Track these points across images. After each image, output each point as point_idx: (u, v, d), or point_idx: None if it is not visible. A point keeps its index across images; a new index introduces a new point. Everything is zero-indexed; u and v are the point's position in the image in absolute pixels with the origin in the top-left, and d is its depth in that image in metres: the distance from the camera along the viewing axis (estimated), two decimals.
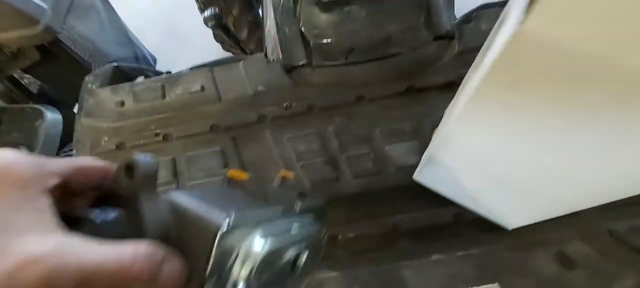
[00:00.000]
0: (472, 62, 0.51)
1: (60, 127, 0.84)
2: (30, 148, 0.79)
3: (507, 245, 0.39)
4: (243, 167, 0.50)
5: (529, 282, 0.37)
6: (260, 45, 1.70)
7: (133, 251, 0.19)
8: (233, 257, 0.21)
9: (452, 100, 0.46)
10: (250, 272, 0.22)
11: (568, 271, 0.37)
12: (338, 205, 0.45)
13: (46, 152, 0.78)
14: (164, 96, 0.57)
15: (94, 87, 0.66)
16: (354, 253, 0.42)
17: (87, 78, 0.68)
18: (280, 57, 0.59)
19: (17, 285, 0.15)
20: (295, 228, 0.26)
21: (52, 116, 0.85)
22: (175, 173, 0.50)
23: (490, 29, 0.52)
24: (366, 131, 0.49)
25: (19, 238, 0.16)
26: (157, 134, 0.54)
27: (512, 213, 0.39)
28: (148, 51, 1.25)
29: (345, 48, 0.56)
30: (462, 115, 0.34)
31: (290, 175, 0.38)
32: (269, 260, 0.22)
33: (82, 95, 0.66)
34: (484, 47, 0.44)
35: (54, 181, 0.20)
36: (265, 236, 0.22)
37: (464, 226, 0.41)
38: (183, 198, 0.23)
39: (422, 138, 0.47)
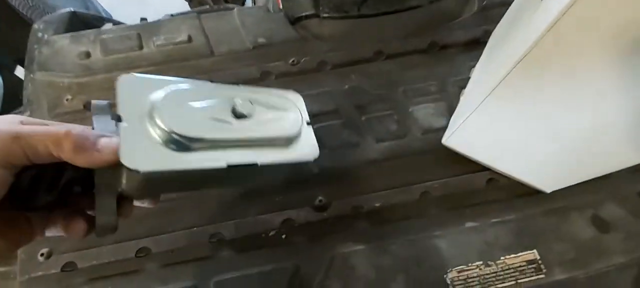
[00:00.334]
0: (495, 19, 0.47)
1: (0, 92, 0.70)
2: None
3: (542, 210, 0.37)
4: None
5: (567, 246, 0.35)
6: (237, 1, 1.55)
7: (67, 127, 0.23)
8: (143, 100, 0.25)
9: (481, 60, 0.43)
10: (156, 108, 0.24)
11: (604, 234, 0.36)
12: (360, 172, 0.40)
13: None
14: (141, 46, 0.47)
15: (46, 35, 0.54)
16: (381, 223, 0.38)
17: (36, 25, 0.55)
18: (280, 6, 0.52)
19: None
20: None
21: None
22: None
23: None
24: (387, 90, 0.44)
25: None
26: None
27: (547, 177, 0.37)
28: (102, 7, 1.08)
29: None
30: (502, 87, 0.30)
31: None
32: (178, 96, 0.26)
33: (31, 45, 0.54)
34: (513, 6, 0.40)
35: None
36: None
37: (497, 191, 0.39)
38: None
39: (447, 98, 0.43)
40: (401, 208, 0.38)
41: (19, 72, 0.87)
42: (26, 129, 0.22)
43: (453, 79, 0.44)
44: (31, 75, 0.53)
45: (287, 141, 0.30)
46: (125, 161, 0.21)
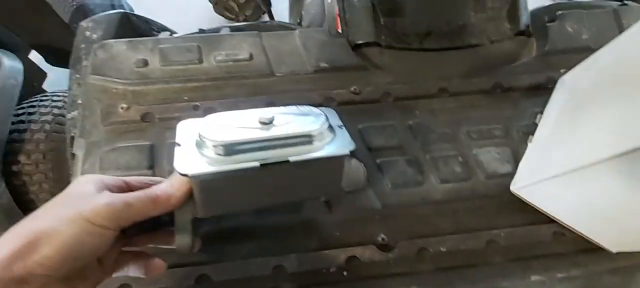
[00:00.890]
0: (558, 66, 0.47)
1: (20, 78, 0.67)
2: None
3: (609, 269, 0.37)
4: None
5: None
6: (256, 12, 1.55)
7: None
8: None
9: (552, 111, 0.42)
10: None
11: None
12: (424, 212, 0.39)
13: (2, 106, 0.62)
14: (200, 60, 0.46)
15: (95, 36, 0.53)
16: (446, 269, 0.37)
17: (84, 24, 0.54)
18: (338, 29, 0.51)
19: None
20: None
21: (11, 64, 0.67)
22: None
23: (578, 32, 0.48)
24: (451, 130, 0.44)
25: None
26: (195, 107, 0.43)
27: (615, 237, 0.37)
28: (127, 3, 1.06)
29: (421, 30, 0.49)
30: (613, 163, 0.30)
31: None
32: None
33: (78, 44, 0.52)
34: (604, 59, 0.39)
35: None
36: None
37: (563, 245, 0.38)
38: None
39: (511, 143, 0.43)
40: (467, 254, 0.38)
41: (33, 56, 0.85)
42: (133, 197, 0.28)
43: (517, 124, 0.44)
44: (77, 76, 0.52)
45: (317, 138, 0.31)
46: (179, 169, 0.28)
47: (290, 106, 0.34)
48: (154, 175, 0.40)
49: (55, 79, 0.84)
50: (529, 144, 0.41)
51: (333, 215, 0.39)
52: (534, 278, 0.37)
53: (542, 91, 0.46)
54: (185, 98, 0.44)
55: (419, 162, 0.41)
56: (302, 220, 0.38)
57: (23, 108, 0.66)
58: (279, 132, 0.30)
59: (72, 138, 0.47)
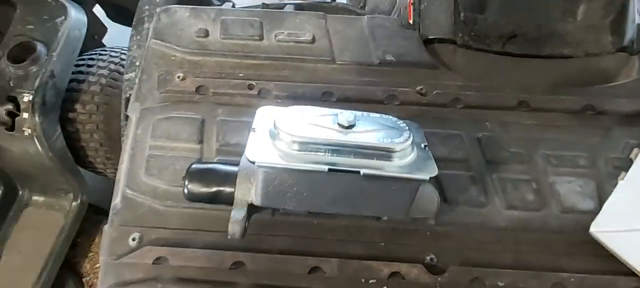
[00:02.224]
0: None
1: (84, 31, 0.69)
2: (48, 46, 0.65)
3: None
4: None
5: None
6: None
7: None
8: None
9: None
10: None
11: None
12: (483, 238, 0.36)
13: (65, 55, 0.64)
14: (261, 37, 0.44)
15: None
16: None
17: None
18: (410, 20, 0.47)
19: None
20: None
21: (76, 15, 0.69)
22: None
23: None
24: (526, 150, 0.39)
25: None
26: (250, 86, 0.42)
27: None
28: None
29: (505, 31, 0.43)
30: None
31: None
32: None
33: (143, 5, 0.52)
34: None
35: None
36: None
37: None
38: None
39: (597, 176, 0.37)
40: None
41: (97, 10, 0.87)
42: None
43: (606, 155, 0.38)
44: (138, 37, 0.52)
45: (396, 155, 0.28)
46: (249, 155, 0.28)
47: (374, 114, 0.31)
48: (202, 150, 0.39)
49: (115, 34, 0.86)
50: (620, 182, 0.36)
51: (380, 222, 0.36)
52: None
53: None
54: (241, 75, 0.43)
55: (484, 180, 0.37)
56: (347, 222, 0.36)
57: (83, 60, 0.68)
58: (357, 139, 0.28)
59: (127, 99, 0.47)
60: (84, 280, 0.81)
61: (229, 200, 0.30)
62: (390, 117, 0.31)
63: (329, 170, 0.27)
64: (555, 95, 0.41)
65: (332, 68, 0.43)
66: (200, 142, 0.39)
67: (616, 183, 0.36)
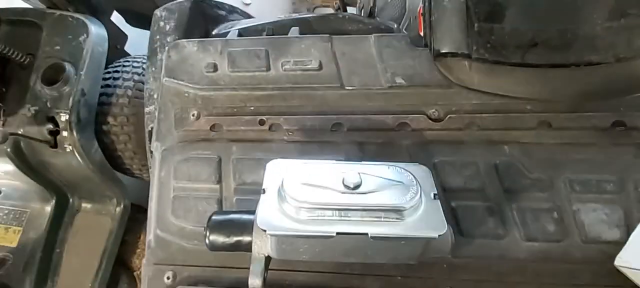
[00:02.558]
0: None
1: (106, 46, 0.72)
2: (75, 66, 0.69)
3: None
4: None
5: None
6: None
7: None
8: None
9: None
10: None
11: None
12: (502, 271, 0.35)
13: (92, 72, 0.68)
14: (268, 67, 0.44)
15: (168, 27, 0.53)
16: None
17: (157, 13, 0.54)
18: (420, 32, 0.44)
19: None
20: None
21: (97, 31, 0.72)
22: None
23: None
24: (548, 175, 0.37)
25: None
26: (261, 122, 0.42)
27: None
28: None
29: (525, 40, 0.40)
30: None
31: None
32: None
33: (154, 36, 0.53)
34: None
35: None
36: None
37: None
38: None
39: (624, 202, 0.35)
40: None
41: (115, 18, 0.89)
42: None
43: (636, 178, 0.36)
44: (153, 69, 0.53)
45: (404, 214, 0.28)
46: (259, 224, 0.28)
47: (381, 165, 0.31)
48: (221, 189, 0.41)
49: (136, 38, 0.88)
50: None
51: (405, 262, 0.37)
52: None
53: None
54: (251, 108, 0.43)
55: (503, 211, 0.36)
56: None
57: (109, 72, 0.72)
58: (364, 201, 0.28)
59: (150, 132, 0.49)
60: (134, 274, 0.90)
61: (248, 248, 0.31)
62: (397, 167, 0.31)
63: (337, 234, 0.27)
64: (582, 111, 0.38)
65: (341, 94, 0.42)
66: (219, 182, 0.41)
67: None
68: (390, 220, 0.28)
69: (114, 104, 0.69)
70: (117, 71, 0.73)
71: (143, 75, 0.71)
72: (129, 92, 0.70)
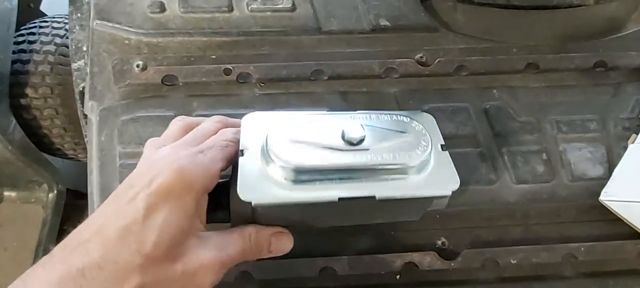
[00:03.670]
0: None
1: (14, 2, 0.59)
2: None
3: None
4: None
5: None
6: None
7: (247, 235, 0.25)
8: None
9: None
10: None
11: None
12: (494, 216, 0.34)
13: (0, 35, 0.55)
14: (231, 8, 0.37)
15: None
16: (514, 281, 0.33)
17: None
18: None
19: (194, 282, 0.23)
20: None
21: None
22: None
23: None
24: (536, 118, 0.36)
25: (195, 247, 0.23)
26: (227, 71, 0.35)
27: None
28: None
29: None
30: None
31: None
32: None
33: None
34: None
35: (215, 181, 0.24)
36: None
37: None
38: None
39: (606, 140, 0.36)
40: (538, 268, 0.33)
41: None
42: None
43: (616, 115, 0.36)
44: (79, 15, 0.43)
45: (412, 170, 0.25)
46: (241, 194, 0.23)
47: (381, 113, 0.27)
48: None
49: None
50: (630, 146, 0.34)
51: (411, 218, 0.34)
52: None
53: None
54: (213, 57, 0.36)
55: (494, 157, 0.35)
56: None
57: (23, 35, 0.58)
58: (369, 159, 0.24)
59: (82, 93, 0.40)
60: None
61: (226, 219, 0.26)
62: (403, 117, 0.27)
63: (340, 199, 0.23)
64: (565, 52, 0.37)
65: (319, 39, 0.37)
66: None
67: (626, 147, 0.35)
68: (400, 178, 0.24)
69: (33, 73, 0.56)
70: (32, 33, 0.59)
71: (66, 38, 0.58)
72: (51, 58, 0.57)
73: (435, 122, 0.29)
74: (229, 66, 0.35)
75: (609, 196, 0.33)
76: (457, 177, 0.25)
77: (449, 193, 0.25)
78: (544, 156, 0.35)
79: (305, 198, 0.23)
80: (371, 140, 0.24)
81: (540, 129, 0.36)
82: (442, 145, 0.27)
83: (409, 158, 0.24)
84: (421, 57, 0.37)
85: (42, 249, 0.64)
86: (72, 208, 0.71)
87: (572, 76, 0.38)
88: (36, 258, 0.63)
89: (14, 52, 0.55)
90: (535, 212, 0.35)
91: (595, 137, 0.36)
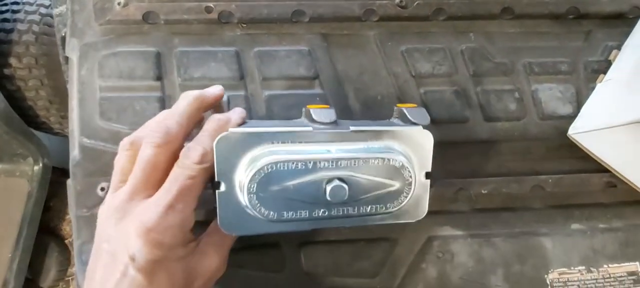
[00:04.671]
0: None
1: None
2: None
3: None
4: (338, 82, 0.36)
5: None
6: None
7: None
8: (239, 163, 0.24)
9: (626, 47, 0.36)
10: (250, 181, 0.23)
11: None
12: (467, 152, 0.36)
13: None
14: None
15: None
16: (483, 211, 0.35)
17: None
18: None
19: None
20: (336, 149, 0.25)
21: None
22: (241, 74, 0.35)
23: None
24: (510, 60, 0.37)
25: (199, 266, 0.25)
26: (208, 9, 0.36)
27: None
28: None
29: None
30: None
31: (413, 105, 0.30)
32: (271, 172, 0.23)
33: None
34: None
35: (193, 222, 0.25)
36: (270, 154, 0.24)
37: (611, 196, 0.36)
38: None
39: (576, 81, 0.37)
40: (508, 199, 0.35)
41: None
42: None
43: (586, 59, 0.38)
44: None
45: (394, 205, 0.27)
46: (223, 227, 0.25)
47: (370, 148, 0.26)
48: (162, 86, 0.34)
49: None
50: (598, 85, 0.36)
51: None
52: (574, 226, 0.35)
53: (622, 22, 0.38)
54: None
55: (468, 94, 0.36)
56: None
57: (6, 4, 0.57)
58: (348, 212, 0.25)
59: (63, 38, 0.40)
60: (66, 242, 0.79)
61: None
62: (392, 152, 0.26)
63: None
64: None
65: None
66: (159, 78, 0.34)
67: (593, 87, 0.36)
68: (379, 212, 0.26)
69: (16, 42, 0.55)
70: (16, 2, 0.58)
71: (52, 8, 0.58)
72: (36, 28, 0.56)
73: (432, 142, 0.28)
74: (210, 4, 0.36)
75: (576, 129, 0.34)
76: (426, 209, 0.28)
77: (413, 221, 0.27)
78: (516, 95, 0.36)
79: (286, 228, 0.25)
80: (353, 192, 0.25)
81: (513, 70, 0.37)
82: (427, 173, 0.27)
83: (387, 208, 0.26)
84: (401, 2, 0.37)
85: (28, 223, 0.63)
86: (58, 186, 0.71)
87: (546, 23, 0.39)
88: (21, 231, 0.63)
89: None
90: (507, 149, 0.36)
91: (565, 78, 0.37)
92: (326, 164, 0.24)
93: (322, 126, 0.25)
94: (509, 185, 0.35)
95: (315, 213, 0.25)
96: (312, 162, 0.24)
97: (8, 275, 0.62)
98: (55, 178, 0.67)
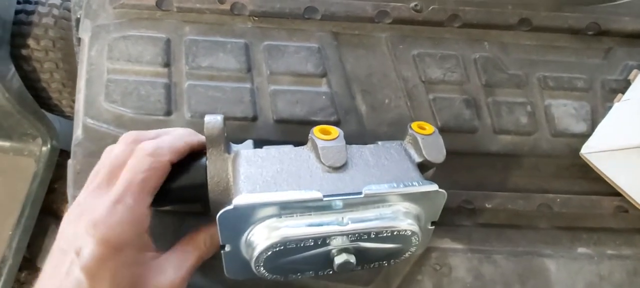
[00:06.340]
0: None
1: None
2: None
3: None
4: (345, 81, 0.36)
5: None
6: None
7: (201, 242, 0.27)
8: (245, 234, 0.23)
9: None
10: (257, 258, 0.23)
11: None
12: (474, 163, 0.35)
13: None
14: None
15: None
16: (486, 226, 0.34)
17: None
18: None
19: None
20: (348, 220, 0.23)
21: None
22: (248, 67, 0.35)
23: None
24: (524, 72, 0.36)
25: (153, 279, 0.24)
26: (221, 1, 0.36)
27: None
28: None
29: None
30: None
31: (429, 130, 0.27)
32: (279, 250, 0.22)
33: None
34: None
35: (148, 220, 0.25)
36: (277, 229, 0.22)
37: (621, 221, 0.34)
38: (241, 160, 0.25)
39: (592, 99, 0.36)
40: (513, 215, 0.34)
41: None
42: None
43: (604, 77, 0.37)
44: None
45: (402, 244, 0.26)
46: (229, 275, 0.25)
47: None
48: (170, 74, 0.34)
49: None
50: (615, 104, 0.35)
51: None
52: (580, 250, 0.33)
53: None
54: None
55: (479, 104, 0.35)
56: None
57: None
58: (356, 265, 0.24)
59: (78, 20, 0.40)
60: None
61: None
62: (400, 224, 0.24)
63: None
64: (560, 12, 0.37)
65: None
66: (167, 65, 0.34)
67: (610, 106, 0.35)
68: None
69: (36, 24, 0.55)
70: None
71: None
72: (55, 11, 0.57)
73: (444, 200, 0.25)
74: None
75: (590, 148, 0.33)
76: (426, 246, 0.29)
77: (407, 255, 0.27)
78: (529, 108, 0.35)
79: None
80: (360, 259, 0.24)
81: (527, 82, 0.36)
82: (433, 222, 0.26)
83: (390, 263, 0.27)
84: (416, 5, 0.37)
85: (31, 202, 0.64)
86: (64, 168, 0.71)
87: (565, 38, 0.38)
88: (23, 210, 0.63)
89: (19, 2, 0.54)
90: (514, 163, 0.35)
91: (581, 95, 0.36)
92: (337, 238, 0.23)
93: (331, 182, 0.23)
94: (515, 201, 0.33)
95: (321, 273, 0.26)
96: (321, 238, 0.23)
97: (7, 252, 0.63)
98: (62, 160, 0.67)
